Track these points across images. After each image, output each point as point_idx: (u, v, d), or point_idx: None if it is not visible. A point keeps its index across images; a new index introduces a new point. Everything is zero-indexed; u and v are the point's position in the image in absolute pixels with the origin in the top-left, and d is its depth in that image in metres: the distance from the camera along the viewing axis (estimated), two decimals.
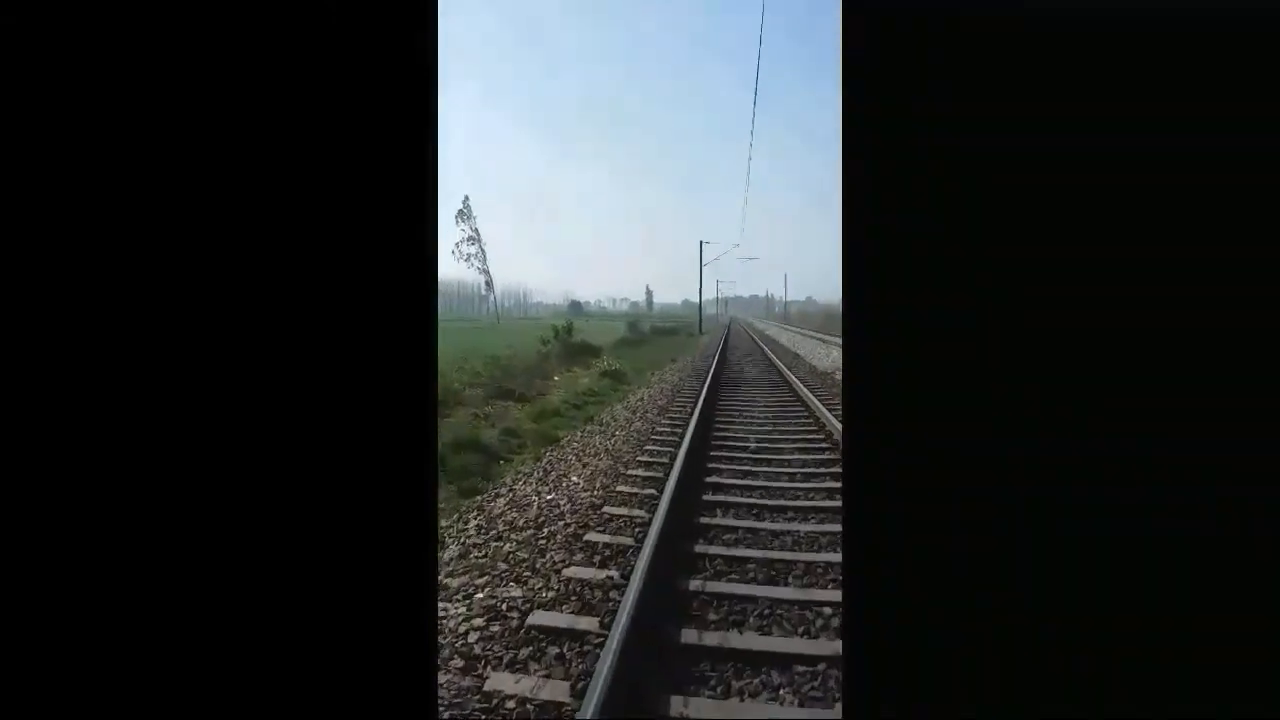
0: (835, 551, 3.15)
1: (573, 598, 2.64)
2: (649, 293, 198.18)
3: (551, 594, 2.66)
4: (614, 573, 2.85)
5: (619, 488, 4.18)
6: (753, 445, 5.46)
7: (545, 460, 5.24)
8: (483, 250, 68.82)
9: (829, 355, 15.55)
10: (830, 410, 6.56)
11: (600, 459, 5.05)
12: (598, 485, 4.27)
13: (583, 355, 16.95)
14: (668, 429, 6.13)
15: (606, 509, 3.73)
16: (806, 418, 6.84)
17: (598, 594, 2.66)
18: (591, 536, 3.30)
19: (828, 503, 3.85)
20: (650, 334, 33.45)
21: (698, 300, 40.81)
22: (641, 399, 8.56)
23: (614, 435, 6.03)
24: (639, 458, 5.02)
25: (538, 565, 2.94)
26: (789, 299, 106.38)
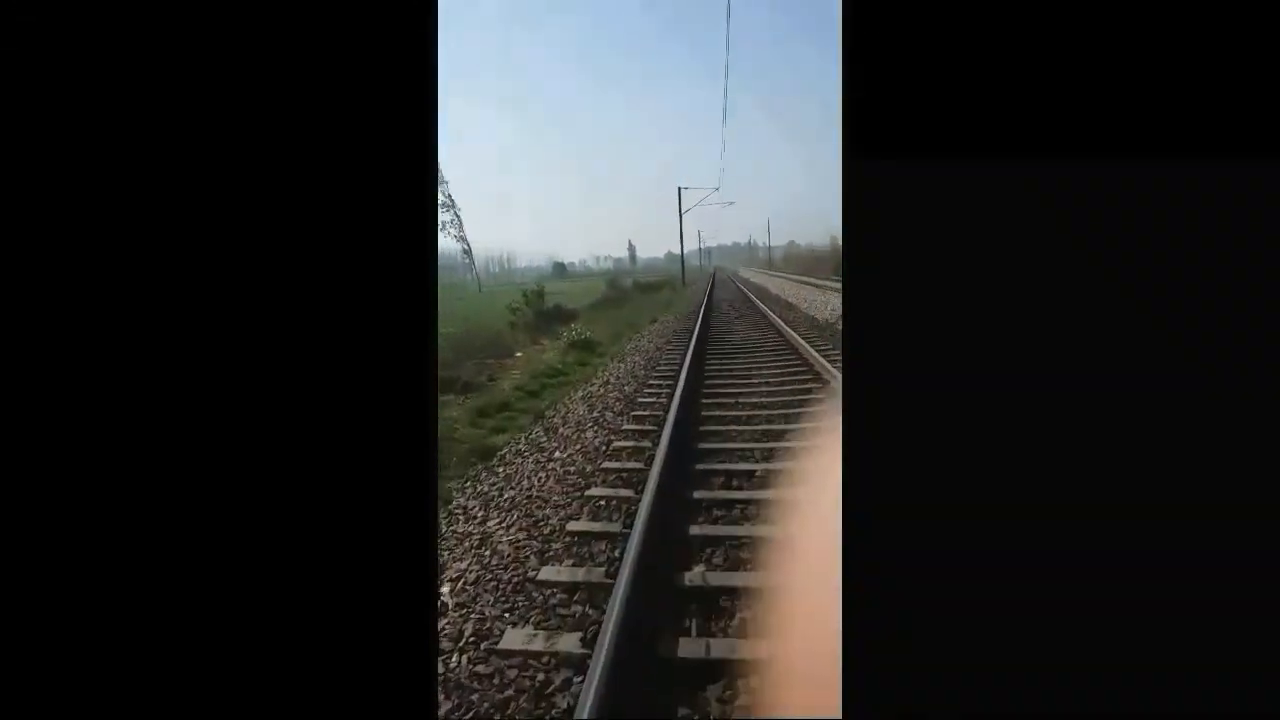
0: None
1: None
2: (632, 248, 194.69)
3: None
4: None
5: (535, 593, 2.21)
6: (759, 471, 3.50)
7: (447, 510, 3.29)
8: (458, 216, 65.91)
9: (828, 304, 13.58)
10: None
11: (526, 512, 3.07)
12: (502, 590, 2.29)
13: (555, 322, 14.83)
14: (630, 444, 4.14)
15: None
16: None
17: None
18: None
19: None
20: (633, 290, 31.29)
21: (679, 252, 38.53)
22: (607, 381, 6.56)
23: (552, 457, 4.04)
24: (581, 512, 3.04)
25: None
26: (771, 244, 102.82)
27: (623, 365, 7.57)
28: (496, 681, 1.86)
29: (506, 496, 3.41)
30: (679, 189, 36.88)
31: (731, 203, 53.63)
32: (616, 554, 2.61)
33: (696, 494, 3.22)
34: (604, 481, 3.48)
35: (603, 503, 3.18)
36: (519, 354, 10.54)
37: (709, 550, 2.69)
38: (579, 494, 3.32)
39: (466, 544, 2.85)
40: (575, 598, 2.33)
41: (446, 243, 66.66)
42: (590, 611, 2.21)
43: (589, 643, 1.97)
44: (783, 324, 9.58)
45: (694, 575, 2.48)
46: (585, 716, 1.50)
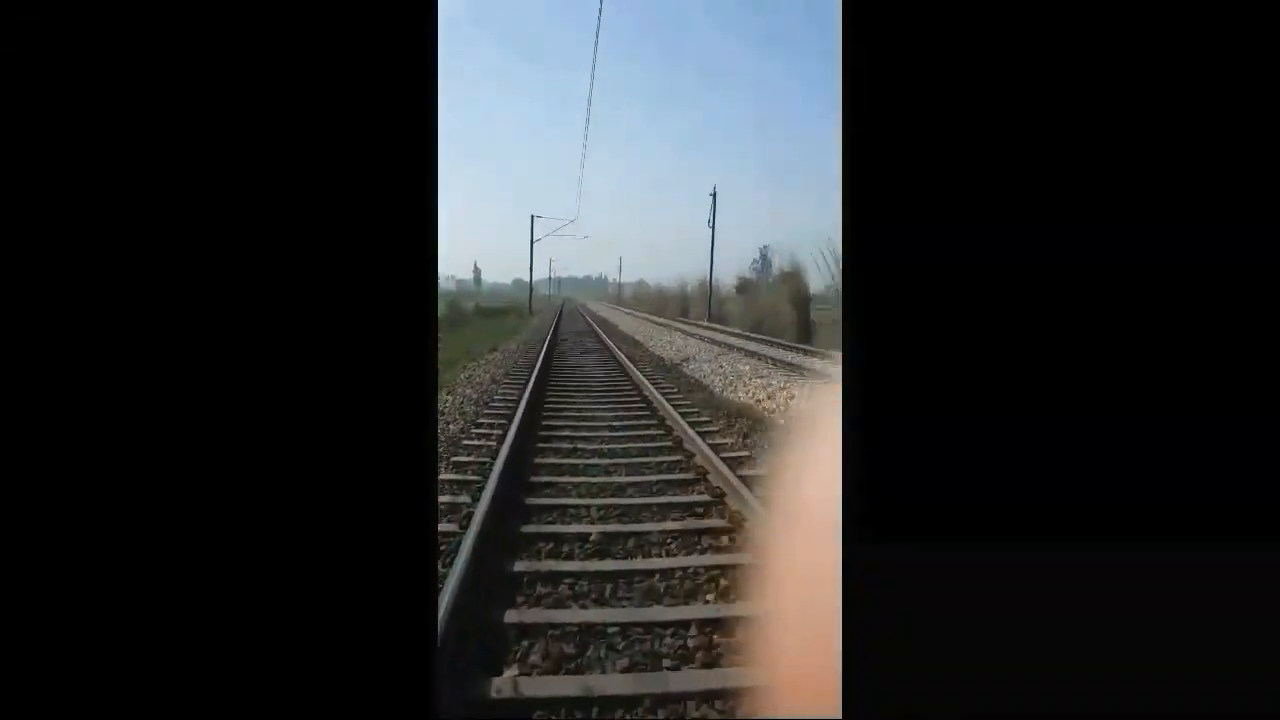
0: None
1: None
2: (477, 270, 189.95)
3: None
4: None
5: None
6: (594, 535, 3.08)
7: None
8: None
9: (671, 343, 13.74)
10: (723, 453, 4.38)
11: None
12: None
13: None
14: (445, 498, 3.54)
15: None
16: (684, 479, 4.60)
17: None
18: None
19: None
20: (474, 315, 30.04)
21: (528, 279, 37.92)
22: None
23: None
24: None
25: None
26: (622, 280, 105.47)
27: (450, 399, 6.87)
28: None
29: None
30: (532, 216, 36.56)
31: (587, 236, 54.28)
32: None
33: (519, 565, 2.72)
34: None
35: None
36: None
37: (528, 644, 2.20)
38: None
39: None
40: None
41: None
42: None
43: None
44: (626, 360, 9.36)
45: (503, 683, 1.99)
46: None
